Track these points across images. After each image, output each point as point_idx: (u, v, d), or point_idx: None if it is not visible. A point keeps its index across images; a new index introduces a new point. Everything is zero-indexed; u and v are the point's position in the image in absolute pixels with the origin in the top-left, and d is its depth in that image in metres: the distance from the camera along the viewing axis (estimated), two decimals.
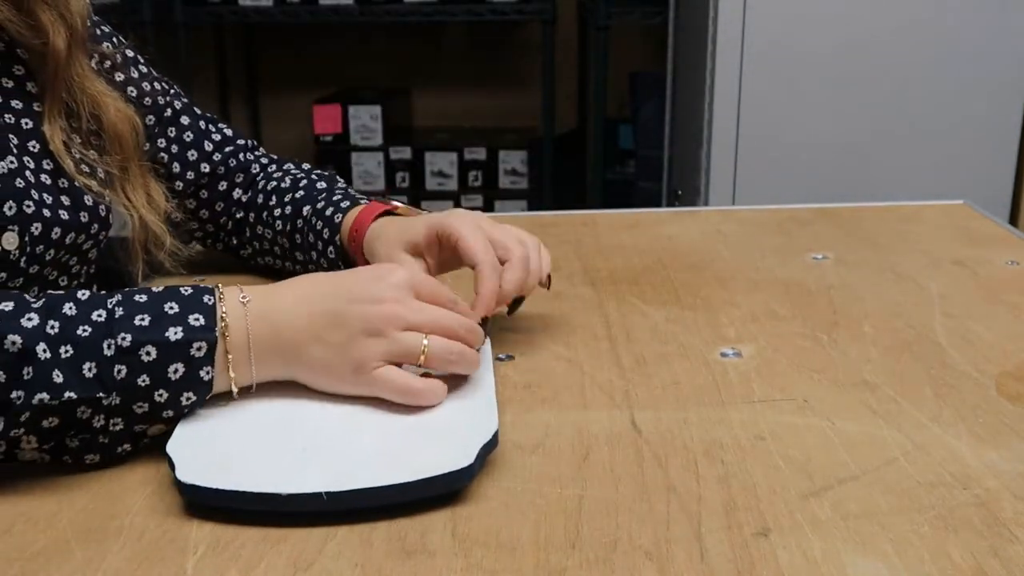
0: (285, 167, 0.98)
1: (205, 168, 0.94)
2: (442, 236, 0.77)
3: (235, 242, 0.98)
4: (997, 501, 0.58)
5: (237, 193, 0.96)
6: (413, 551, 0.54)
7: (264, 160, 0.99)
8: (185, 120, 0.94)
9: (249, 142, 0.99)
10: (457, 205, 2.92)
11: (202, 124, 0.95)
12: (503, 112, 3.16)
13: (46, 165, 0.77)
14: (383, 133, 2.97)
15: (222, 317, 0.64)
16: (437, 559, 0.53)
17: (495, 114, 3.17)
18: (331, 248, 0.87)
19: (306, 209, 0.90)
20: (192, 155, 0.93)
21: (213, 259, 1.00)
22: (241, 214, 0.96)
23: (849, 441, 0.65)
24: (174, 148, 0.93)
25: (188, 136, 0.93)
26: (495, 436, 0.62)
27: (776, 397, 0.71)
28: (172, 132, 0.93)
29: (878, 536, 0.55)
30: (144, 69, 0.92)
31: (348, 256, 0.87)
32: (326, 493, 0.55)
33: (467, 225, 0.76)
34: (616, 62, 2.72)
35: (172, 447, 0.60)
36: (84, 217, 0.79)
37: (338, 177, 0.97)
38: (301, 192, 0.92)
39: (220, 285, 0.66)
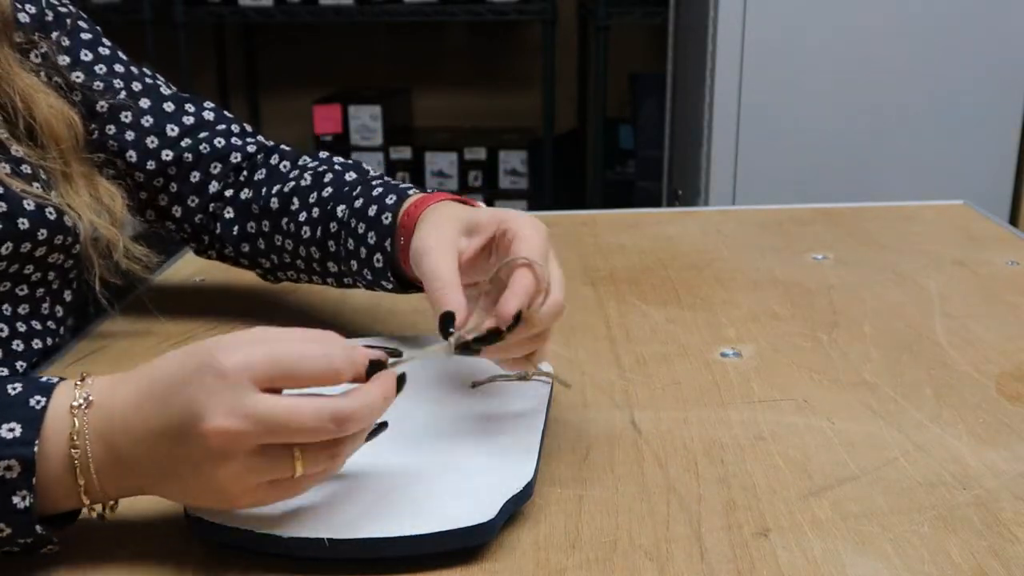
0: (301, 162, 0.83)
1: (168, 156, 0.81)
2: (500, 231, 0.64)
3: (231, 250, 0.84)
4: (997, 501, 0.58)
5: (214, 186, 0.83)
6: None
7: (251, 148, 0.84)
8: (145, 103, 0.81)
9: (237, 127, 0.85)
10: None
11: (168, 106, 0.82)
12: (503, 112, 3.16)
13: None
14: (383, 133, 2.97)
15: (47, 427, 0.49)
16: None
17: (495, 114, 3.17)
18: (378, 256, 0.73)
19: (340, 210, 0.76)
20: (152, 142, 0.81)
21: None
22: (231, 213, 0.82)
23: (849, 441, 0.65)
24: (129, 135, 0.80)
25: (147, 120, 0.81)
26: (528, 487, 0.57)
27: (776, 397, 0.72)
28: (127, 117, 0.80)
29: (878, 536, 0.55)
30: (105, 52, 0.82)
31: (397, 263, 0.72)
32: (328, 540, 0.52)
33: (531, 226, 0.63)
34: (616, 62, 2.72)
35: None
36: (23, 224, 0.70)
37: (365, 165, 0.82)
38: (329, 189, 0.78)
39: (83, 376, 0.52)
